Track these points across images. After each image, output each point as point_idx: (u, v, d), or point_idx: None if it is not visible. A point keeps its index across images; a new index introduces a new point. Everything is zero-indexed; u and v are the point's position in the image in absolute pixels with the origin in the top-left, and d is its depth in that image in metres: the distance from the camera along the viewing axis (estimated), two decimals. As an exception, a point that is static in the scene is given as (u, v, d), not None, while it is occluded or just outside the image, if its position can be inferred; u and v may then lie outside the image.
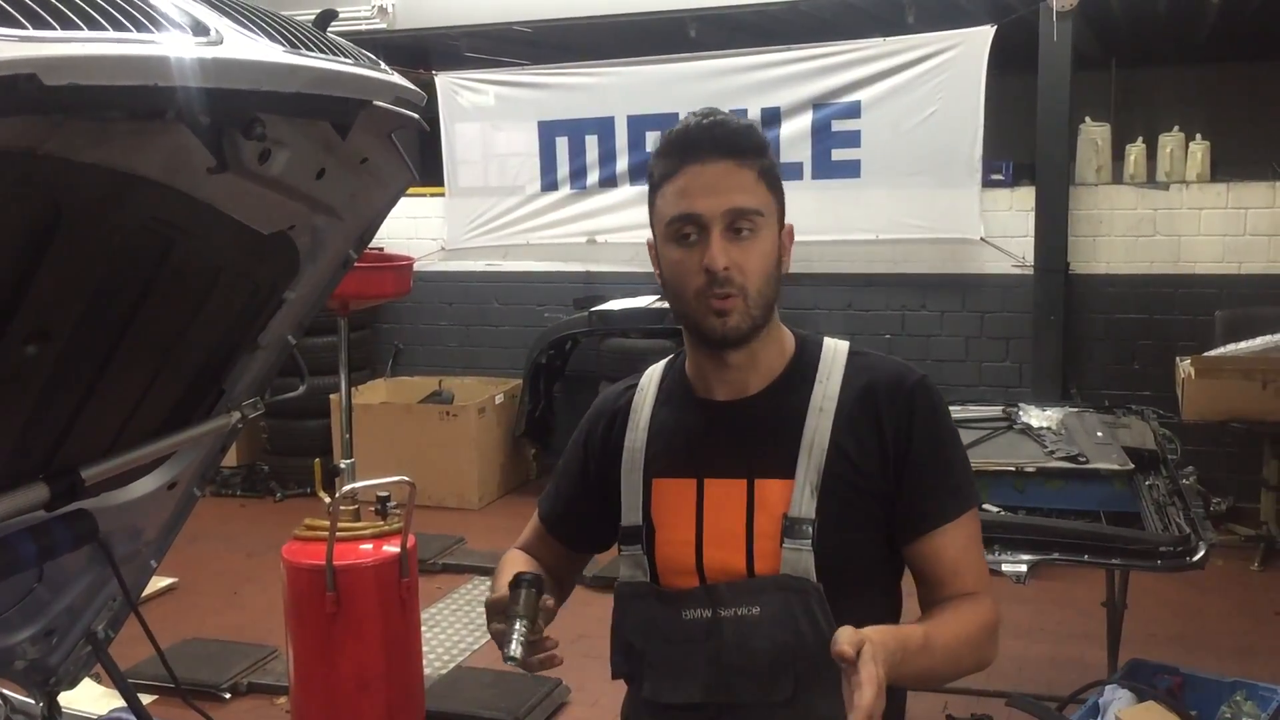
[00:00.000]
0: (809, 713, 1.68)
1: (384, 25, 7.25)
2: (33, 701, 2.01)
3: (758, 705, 1.71)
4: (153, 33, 1.07)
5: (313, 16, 1.46)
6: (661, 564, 1.80)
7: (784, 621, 1.69)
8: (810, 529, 1.69)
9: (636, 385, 1.93)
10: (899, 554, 1.79)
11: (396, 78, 1.46)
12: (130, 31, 1.04)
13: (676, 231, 1.68)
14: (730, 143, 1.69)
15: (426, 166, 7.52)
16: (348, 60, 1.37)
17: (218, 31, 1.15)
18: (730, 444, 1.78)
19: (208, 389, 1.79)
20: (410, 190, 1.79)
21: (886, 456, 1.73)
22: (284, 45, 1.26)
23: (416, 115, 1.53)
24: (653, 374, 1.93)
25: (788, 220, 1.77)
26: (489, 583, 6.35)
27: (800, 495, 1.70)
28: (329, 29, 1.42)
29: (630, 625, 1.77)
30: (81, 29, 0.99)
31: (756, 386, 1.79)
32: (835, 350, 1.82)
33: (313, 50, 1.31)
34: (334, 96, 1.33)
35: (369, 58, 1.44)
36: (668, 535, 1.79)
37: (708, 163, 1.67)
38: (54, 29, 0.96)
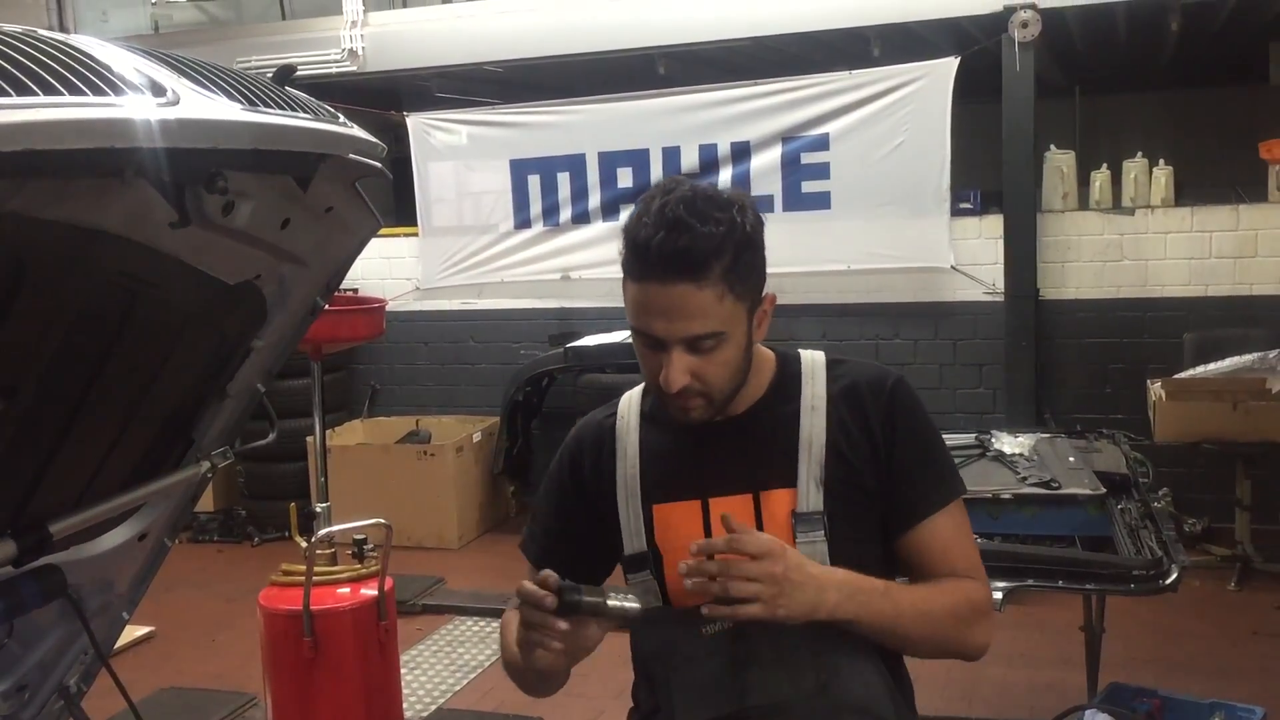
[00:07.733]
0: (841, 700, 1.66)
1: (355, 68, 7.28)
2: (5, 758, 2.00)
3: (790, 700, 1.67)
4: (109, 95, 1.09)
5: (282, 66, 1.48)
6: (673, 588, 1.79)
7: None
8: (821, 520, 1.73)
9: (615, 412, 1.93)
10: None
11: (355, 130, 1.48)
12: (86, 95, 1.06)
13: (637, 333, 1.70)
14: (685, 263, 1.61)
15: (400, 206, 7.54)
16: (305, 115, 1.39)
17: (174, 92, 1.17)
18: (730, 460, 1.80)
19: (176, 439, 1.79)
20: (383, 230, 1.80)
21: (876, 453, 1.78)
22: (242, 103, 1.27)
23: (379, 164, 1.54)
24: (631, 399, 1.93)
25: (768, 289, 1.77)
26: (469, 623, 6.21)
27: (805, 491, 1.74)
28: (288, 83, 1.44)
29: (649, 652, 1.74)
30: (37, 94, 1.00)
31: (743, 407, 1.83)
32: (813, 359, 1.88)
33: (270, 106, 1.33)
34: (292, 152, 1.34)
35: (328, 111, 1.46)
36: (676, 559, 1.74)
37: (664, 284, 1.62)
38: (9, 95, 0.98)
